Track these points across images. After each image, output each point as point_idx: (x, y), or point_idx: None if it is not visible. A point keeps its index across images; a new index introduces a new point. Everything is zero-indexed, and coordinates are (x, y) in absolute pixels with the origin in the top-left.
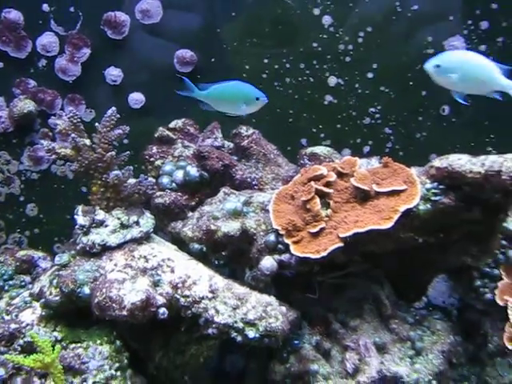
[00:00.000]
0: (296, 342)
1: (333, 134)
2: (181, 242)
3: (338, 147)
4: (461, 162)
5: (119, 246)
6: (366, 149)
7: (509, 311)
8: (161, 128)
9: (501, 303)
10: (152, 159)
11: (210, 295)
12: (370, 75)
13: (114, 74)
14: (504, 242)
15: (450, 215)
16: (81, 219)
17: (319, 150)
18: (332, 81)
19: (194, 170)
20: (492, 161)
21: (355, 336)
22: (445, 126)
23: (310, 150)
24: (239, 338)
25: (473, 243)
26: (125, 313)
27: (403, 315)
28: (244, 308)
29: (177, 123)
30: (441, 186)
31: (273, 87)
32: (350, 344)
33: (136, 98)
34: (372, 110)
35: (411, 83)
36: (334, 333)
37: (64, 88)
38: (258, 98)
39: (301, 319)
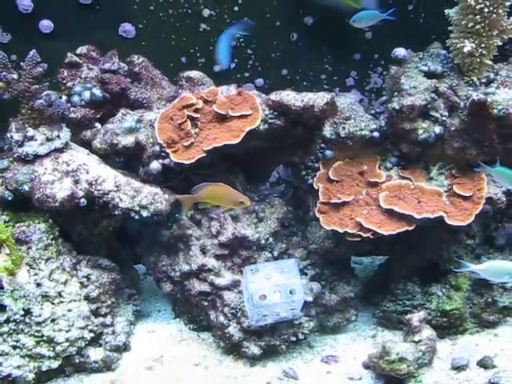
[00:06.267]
0: (177, 215)
1: (206, 54)
2: (90, 145)
3: (206, 65)
4: (288, 97)
5: (47, 155)
6: (233, 65)
7: (319, 193)
8: (69, 54)
9: (316, 187)
10: (64, 81)
11: (115, 189)
12: (236, 8)
13: (25, 3)
14: (323, 145)
15: (282, 131)
16: (16, 135)
17: (193, 74)
18: (206, 12)
19: (98, 92)
20: (309, 98)
21: (218, 210)
22: (294, 49)
23: (186, 73)
24: (137, 217)
25: (298, 148)
26: (57, 204)
27: (252, 195)
28: (139, 197)
29: (82, 49)
30: (275, 113)
31: (159, 17)
32: (214, 216)
33: (46, 25)
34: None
35: (268, 15)
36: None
37: None
38: None
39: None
